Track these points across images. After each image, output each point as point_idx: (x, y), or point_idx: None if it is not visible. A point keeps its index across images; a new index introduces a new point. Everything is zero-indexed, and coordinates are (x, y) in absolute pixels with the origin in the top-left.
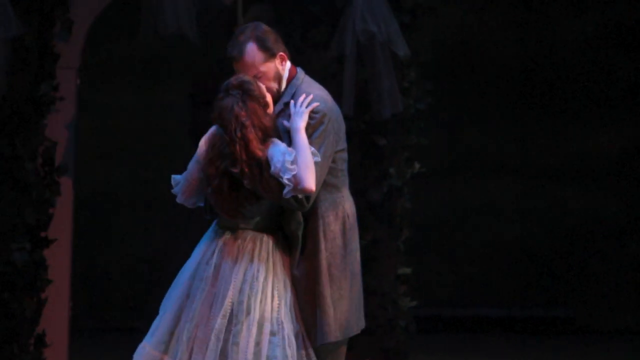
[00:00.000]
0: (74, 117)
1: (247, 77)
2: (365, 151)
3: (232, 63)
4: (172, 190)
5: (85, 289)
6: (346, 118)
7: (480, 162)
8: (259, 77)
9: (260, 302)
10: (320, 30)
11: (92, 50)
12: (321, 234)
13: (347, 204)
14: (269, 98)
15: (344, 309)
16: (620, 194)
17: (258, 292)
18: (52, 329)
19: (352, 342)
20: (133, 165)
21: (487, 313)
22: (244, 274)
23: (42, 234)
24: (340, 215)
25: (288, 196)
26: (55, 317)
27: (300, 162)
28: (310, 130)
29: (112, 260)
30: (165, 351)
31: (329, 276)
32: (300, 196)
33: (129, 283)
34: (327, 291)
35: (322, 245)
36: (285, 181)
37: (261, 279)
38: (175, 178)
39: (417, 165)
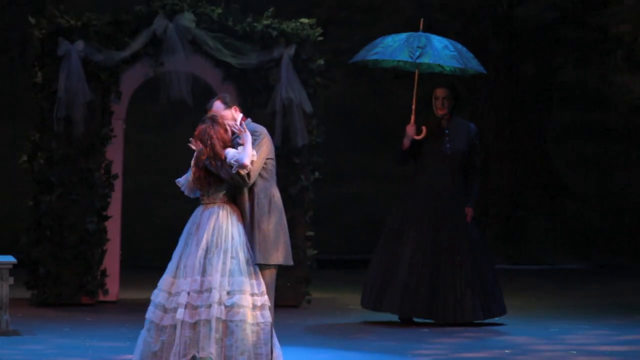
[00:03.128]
0: (122, 147)
1: (216, 114)
2: (287, 165)
3: (208, 111)
4: (181, 189)
5: (128, 244)
6: (277, 146)
7: (351, 171)
8: (222, 117)
9: (225, 240)
10: (261, 97)
11: (133, 106)
12: (255, 204)
13: (273, 191)
14: (229, 127)
15: (266, 247)
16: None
17: (222, 234)
18: (110, 267)
19: (282, 274)
20: (157, 174)
21: (355, 257)
22: (214, 225)
23: (104, 213)
24: (268, 196)
25: (234, 171)
26: (112, 260)
27: (244, 152)
28: (254, 140)
29: (144, 227)
30: (174, 276)
31: (258, 228)
32: (242, 173)
33: (154, 240)
34: (256, 236)
35: (255, 210)
36: (233, 162)
37: (224, 227)
38: (179, 181)
39: (316, 174)
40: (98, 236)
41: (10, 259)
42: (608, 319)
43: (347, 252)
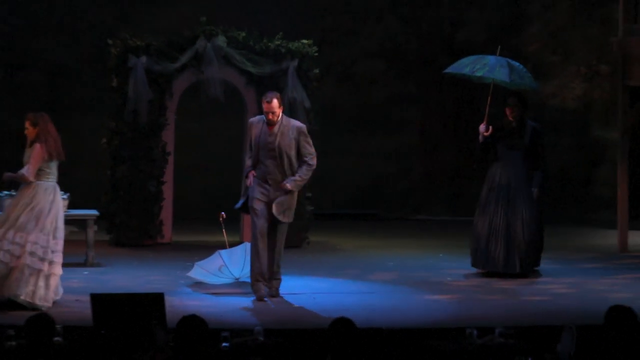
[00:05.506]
0: (173, 132)
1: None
2: None
3: (265, 103)
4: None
5: (178, 201)
6: None
7: (336, 150)
8: (275, 113)
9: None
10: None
11: (182, 102)
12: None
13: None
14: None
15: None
16: None
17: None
18: (165, 218)
19: (290, 224)
20: (198, 151)
21: (339, 212)
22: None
23: (161, 179)
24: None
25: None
26: (166, 213)
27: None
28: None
29: (189, 189)
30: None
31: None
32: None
33: (197, 199)
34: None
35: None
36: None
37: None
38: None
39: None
40: (157, 196)
41: (94, 212)
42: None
43: (334, 208)
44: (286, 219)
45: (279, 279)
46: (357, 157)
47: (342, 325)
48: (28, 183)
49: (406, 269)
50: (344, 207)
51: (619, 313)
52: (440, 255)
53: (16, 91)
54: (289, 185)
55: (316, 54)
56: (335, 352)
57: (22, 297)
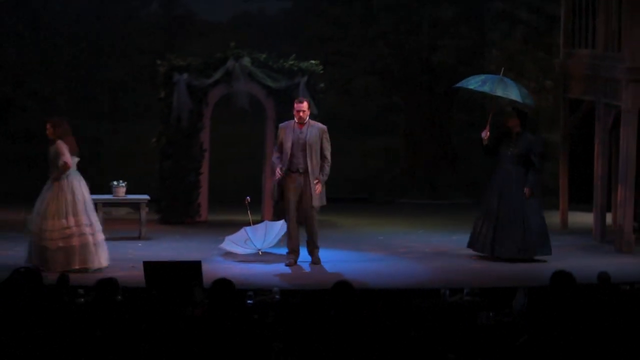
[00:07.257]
0: (209, 134)
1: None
2: None
3: (297, 103)
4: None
5: (212, 189)
6: None
7: (337, 150)
8: (305, 112)
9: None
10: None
11: (215, 110)
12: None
13: None
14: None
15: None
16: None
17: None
18: (202, 202)
19: None
20: (229, 149)
21: (342, 196)
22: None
23: (199, 171)
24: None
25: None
26: (203, 198)
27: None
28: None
29: (221, 179)
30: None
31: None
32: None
33: (227, 187)
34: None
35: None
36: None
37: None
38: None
39: None
40: (195, 184)
41: (146, 196)
42: None
43: (335, 194)
44: (319, 202)
45: (317, 248)
46: (354, 154)
47: (342, 287)
48: (59, 177)
49: (392, 241)
50: (337, 193)
51: (561, 277)
52: (420, 231)
53: (83, 102)
54: (319, 185)
55: (322, 71)
56: (337, 308)
57: (89, 265)
